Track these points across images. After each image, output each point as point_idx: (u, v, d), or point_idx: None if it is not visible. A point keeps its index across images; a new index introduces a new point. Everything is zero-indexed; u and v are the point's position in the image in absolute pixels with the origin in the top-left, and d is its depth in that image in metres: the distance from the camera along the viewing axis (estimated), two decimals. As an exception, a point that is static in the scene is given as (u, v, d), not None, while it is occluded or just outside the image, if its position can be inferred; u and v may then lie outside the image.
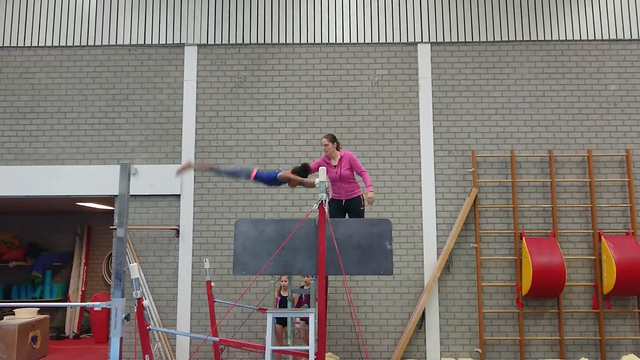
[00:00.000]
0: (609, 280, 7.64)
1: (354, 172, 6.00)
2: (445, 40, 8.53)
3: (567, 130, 8.33)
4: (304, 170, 5.85)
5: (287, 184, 5.86)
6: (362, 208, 5.98)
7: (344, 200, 5.95)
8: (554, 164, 8.18)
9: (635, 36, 8.48)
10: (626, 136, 8.30)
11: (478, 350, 7.82)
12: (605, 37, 8.50)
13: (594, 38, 8.51)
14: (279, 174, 5.77)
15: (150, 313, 7.81)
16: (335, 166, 5.93)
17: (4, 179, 8.25)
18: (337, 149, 6.06)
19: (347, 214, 5.98)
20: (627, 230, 8.01)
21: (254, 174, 5.74)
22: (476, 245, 8.00)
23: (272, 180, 5.84)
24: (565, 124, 8.35)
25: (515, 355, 7.83)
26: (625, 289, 7.66)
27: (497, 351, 7.88)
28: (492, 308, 7.96)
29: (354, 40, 8.56)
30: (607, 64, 8.46)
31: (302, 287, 7.39)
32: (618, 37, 8.49)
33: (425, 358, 7.81)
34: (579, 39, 8.50)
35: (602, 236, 7.87)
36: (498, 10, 8.60)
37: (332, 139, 6.04)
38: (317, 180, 4.83)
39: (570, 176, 8.22)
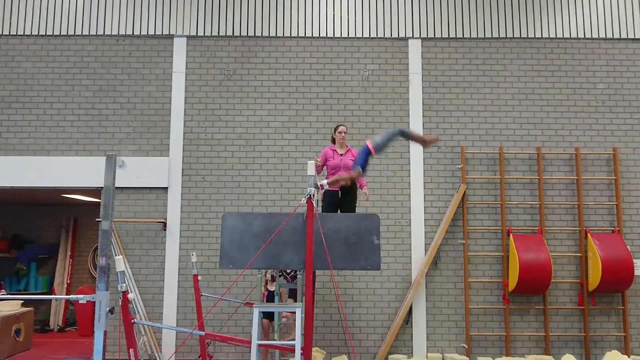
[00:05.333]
0: (595, 278, 7.70)
1: None
2: (436, 36, 8.52)
3: (555, 128, 8.37)
4: (344, 190, 5.74)
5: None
6: (354, 204, 6.05)
7: (339, 193, 5.95)
8: (542, 161, 8.22)
9: (624, 35, 8.53)
10: (614, 134, 8.35)
11: (464, 345, 7.86)
12: (595, 35, 8.54)
13: (583, 36, 8.55)
14: (358, 169, 5.39)
15: (136, 306, 7.75)
16: (341, 155, 6.15)
17: (-12, 170, 8.12)
18: None
19: (339, 209, 5.99)
20: (612, 228, 8.07)
21: (370, 147, 5.39)
22: (464, 241, 8.03)
23: (358, 160, 5.48)
24: (553, 121, 8.39)
25: (501, 351, 7.88)
26: (610, 286, 7.73)
27: (483, 347, 7.92)
28: (479, 304, 8.00)
29: (344, 35, 8.52)
30: (596, 62, 8.51)
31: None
32: (607, 36, 8.54)
33: (412, 353, 7.84)
34: (568, 37, 8.54)
35: (589, 234, 7.93)
36: (489, 7, 8.60)
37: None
38: (309, 170, 4.79)
39: (557, 174, 8.27)
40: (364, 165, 5.42)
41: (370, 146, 5.40)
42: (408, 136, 5.94)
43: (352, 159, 5.99)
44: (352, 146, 6.40)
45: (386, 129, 5.76)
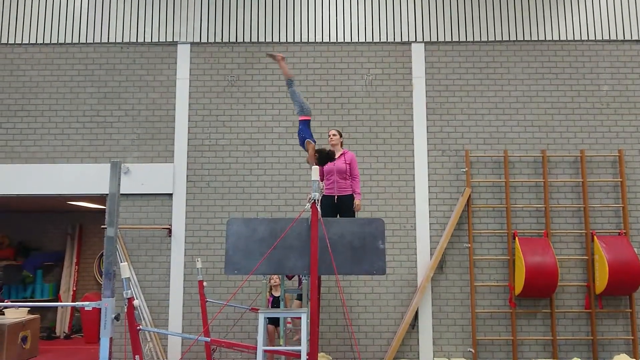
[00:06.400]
0: (601, 281, 7.65)
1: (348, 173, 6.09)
2: (439, 40, 8.52)
3: (560, 131, 8.34)
4: (326, 158, 5.74)
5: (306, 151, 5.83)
6: (352, 208, 6.01)
7: (335, 197, 5.94)
8: (547, 164, 8.19)
9: (628, 37, 8.51)
10: (619, 136, 8.32)
11: (471, 350, 7.81)
12: (599, 37, 8.52)
13: (587, 38, 8.53)
14: (307, 140, 5.67)
15: (141, 313, 7.75)
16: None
17: (-6, 178, 8.16)
18: (341, 146, 6.39)
19: (338, 214, 5.97)
20: (619, 231, 8.03)
21: (302, 118, 5.74)
22: (469, 245, 8.00)
23: (301, 136, 5.76)
24: (558, 124, 8.36)
25: (508, 355, 7.83)
26: (617, 289, 7.68)
27: (490, 351, 7.88)
28: (485, 308, 7.95)
29: (347, 40, 8.53)
30: (600, 64, 8.48)
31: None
32: (611, 38, 8.51)
33: (418, 358, 7.80)
34: (572, 39, 8.52)
35: (595, 236, 7.89)
36: (492, 10, 8.60)
37: (340, 133, 6.44)
38: (313, 175, 4.78)
39: (563, 176, 8.24)
40: (311, 136, 5.72)
41: (304, 118, 5.73)
42: (291, 80, 5.91)
43: (345, 162, 6.03)
44: (354, 151, 6.42)
45: (291, 97, 5.91)
